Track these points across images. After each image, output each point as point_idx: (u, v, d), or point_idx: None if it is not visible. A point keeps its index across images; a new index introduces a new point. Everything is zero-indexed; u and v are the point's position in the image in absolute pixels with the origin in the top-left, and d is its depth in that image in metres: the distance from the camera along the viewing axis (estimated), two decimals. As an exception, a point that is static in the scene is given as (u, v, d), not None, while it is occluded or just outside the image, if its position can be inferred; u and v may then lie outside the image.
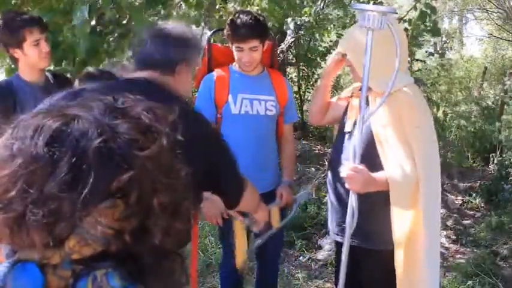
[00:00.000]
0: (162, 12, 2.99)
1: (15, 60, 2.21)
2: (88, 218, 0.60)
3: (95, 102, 0.67)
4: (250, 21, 2.14)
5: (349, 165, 1.67)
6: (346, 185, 1.69)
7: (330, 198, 2.05)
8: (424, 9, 4.12)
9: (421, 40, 5.67)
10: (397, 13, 1.66)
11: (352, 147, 1.69)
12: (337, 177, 1.94)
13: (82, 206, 0.58)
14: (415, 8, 4.33)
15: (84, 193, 0.58)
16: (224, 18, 4.07)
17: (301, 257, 3.62)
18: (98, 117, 0.64)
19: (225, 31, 2.22)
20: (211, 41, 2.52)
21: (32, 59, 2.15)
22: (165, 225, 0.66)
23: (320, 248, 3.75)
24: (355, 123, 1.87)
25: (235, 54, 2.20)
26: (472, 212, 4.57)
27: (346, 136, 1.92)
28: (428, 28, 4.25)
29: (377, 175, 1.72)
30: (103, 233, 0.61)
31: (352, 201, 1.70)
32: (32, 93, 2.14)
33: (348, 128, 1.91)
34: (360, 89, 1.96)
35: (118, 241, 0.63)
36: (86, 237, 0.61)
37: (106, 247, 0.63)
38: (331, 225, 2.06)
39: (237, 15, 2.20)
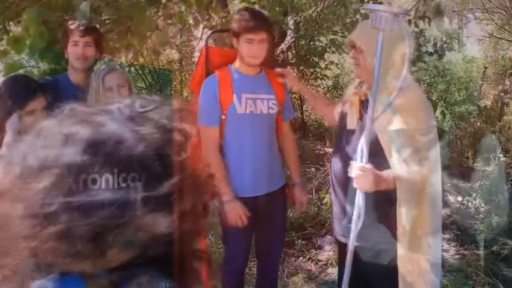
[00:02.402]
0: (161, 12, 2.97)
1: (67, 61, 2.42)
2: (131, 225, 0.58)
3: (114, 106, 0.65)
4: (260, 13, 2.17)
5: (357, 165, 1.66)
6: (354, 185, 1.68)
7: (334, 197, 2.03)
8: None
9: (420, 40, 5.65)
10: (409, 15, 1.62)
11: (359, 146, 1.67)
12: (341, 176, 1.92)
13: (129, 214, 0.57)
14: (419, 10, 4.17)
15: (137, 200, 0.56)
16: (224, 20, 4.05)
17: (301, 257, 3.61)
18: (124, 123, 0.62)
19: (233, 25, 2.15)
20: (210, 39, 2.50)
21: (70, 58, 2.35)
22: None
23: (320, 248, 3.74)
24: (357, 121, 1.85)
25: (244, 48, 2.13)
26: (472, 212, 4.56)
27: (350, 133, 1.90)
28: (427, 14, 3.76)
29: (384, 173, 1.71)
30: (142, 238, 0.59)
31: (360, 200, 1.68)
32: (73, 93, 2.22)
33: (351, 125, 1.89)
34: (357, 86, 1.95)
35: (157, 245, 0.61)
36: (127, 245, 0.59)
37: (143, 252, 0.61)
38: (335, 224, 2.05)
39: (243, 9, 2.20)
